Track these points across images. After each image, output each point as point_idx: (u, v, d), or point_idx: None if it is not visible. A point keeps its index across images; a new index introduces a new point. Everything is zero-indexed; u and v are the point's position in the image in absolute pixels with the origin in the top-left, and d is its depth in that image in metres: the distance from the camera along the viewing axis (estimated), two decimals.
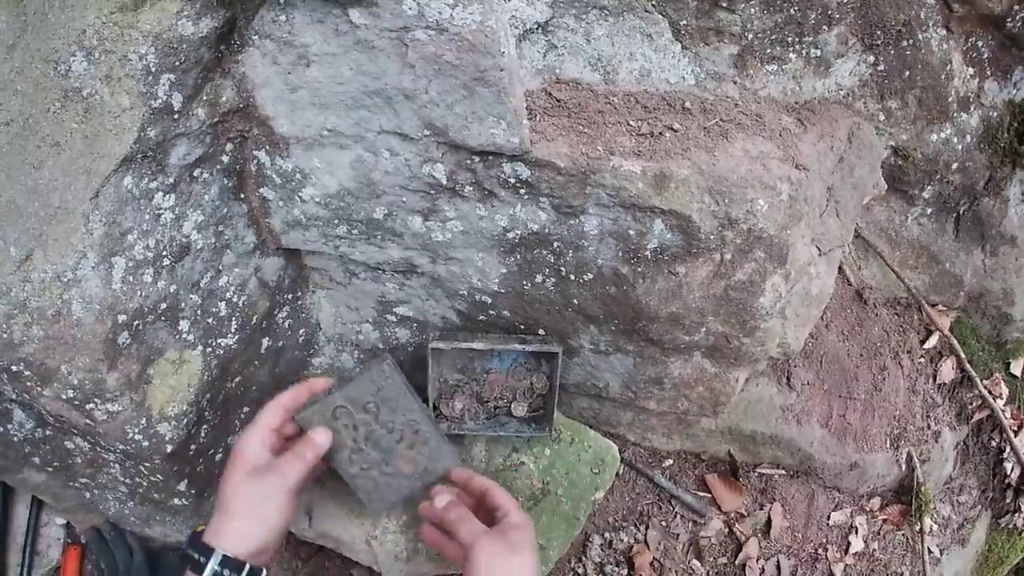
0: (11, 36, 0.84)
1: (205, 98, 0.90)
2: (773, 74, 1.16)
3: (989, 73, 1.34)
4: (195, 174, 0.93)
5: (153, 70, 0.83)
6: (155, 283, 0.92)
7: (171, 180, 0.90)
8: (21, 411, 1.11)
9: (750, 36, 1.11)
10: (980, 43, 1.30)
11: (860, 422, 1.27)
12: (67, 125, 0.83)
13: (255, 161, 0.96)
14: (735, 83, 1.12)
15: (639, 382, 1.10)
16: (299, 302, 1.15)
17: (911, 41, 1.24)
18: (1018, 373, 1.59)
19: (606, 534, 1.21)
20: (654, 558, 1.21)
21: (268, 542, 0.85)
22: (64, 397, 0.91)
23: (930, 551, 1.44)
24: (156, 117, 0.85)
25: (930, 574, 1.43)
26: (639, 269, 0.98)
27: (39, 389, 0.91)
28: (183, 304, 0.96)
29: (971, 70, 1.32)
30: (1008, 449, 1.55)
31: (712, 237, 0.97)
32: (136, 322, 0.91)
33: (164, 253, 0.92)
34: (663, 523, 1.24)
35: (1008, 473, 1.57)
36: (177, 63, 0.85)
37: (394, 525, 1.07)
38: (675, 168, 0.93)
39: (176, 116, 0.87)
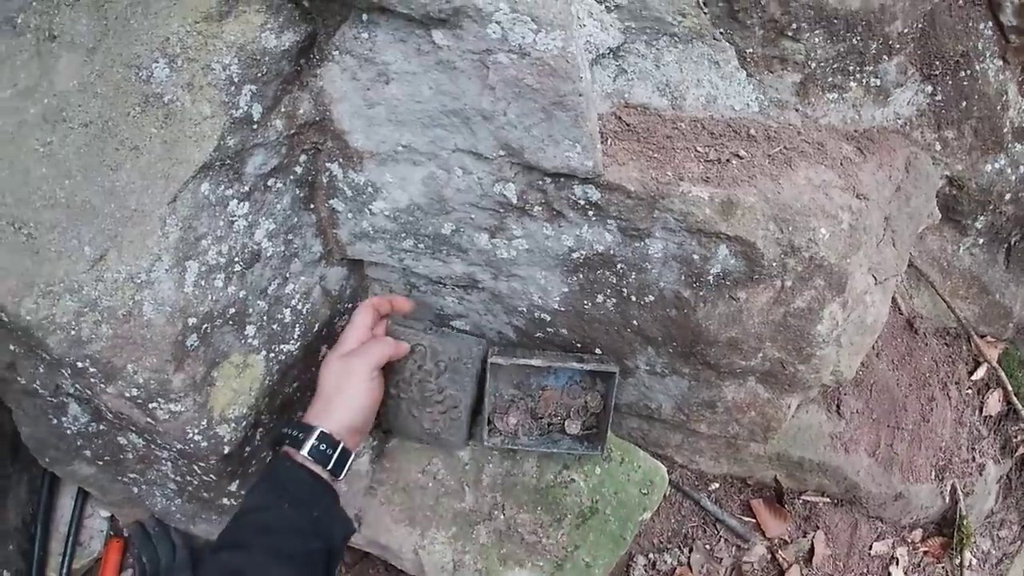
0: (92, 39, 0.86)
1: (283, 110, 0.92)
2: (834, 102, 1.16)
3: None
4: (269, 183, 0.95)
5: (236, 80, 0.86)
6: (226, 288, 0.94)
7: (246, 188, 0.92)
8: (77, 405, 1.13)
9: (813, 65, 1.11)
10: None
11: (907, 452, 1.27)
12: (147, 130, 0.85)
13: (327, 173, 0.98)
14: (797, 111, 1.13)
15: (692, 405, 1.11)
16: None
17: (968, 72, 1.24)
18: None
19: (650, 555, 1.22)
20: None
21: (356, 422, 0.94)
22: (127, 395, 0.93)
23: None
24: (236, 126, 0.87)
25: None
26: (701, 293, 0.98)
27: (102, 386, 0.93)
28: (251, 310, 0.98)
29: None
30: None
31: (774, 264, 0.98)
32: (205, 326, 0.93)
33: (236, 259, 0.94)
34: (707, 546, 1.24)
35: None
36: (259, 75, 0.87)
37: (443, 536, 1.08)
38: (742, 195, 0.94)
39: (255, 126, 0.89)
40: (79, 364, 0.90)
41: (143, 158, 0.85)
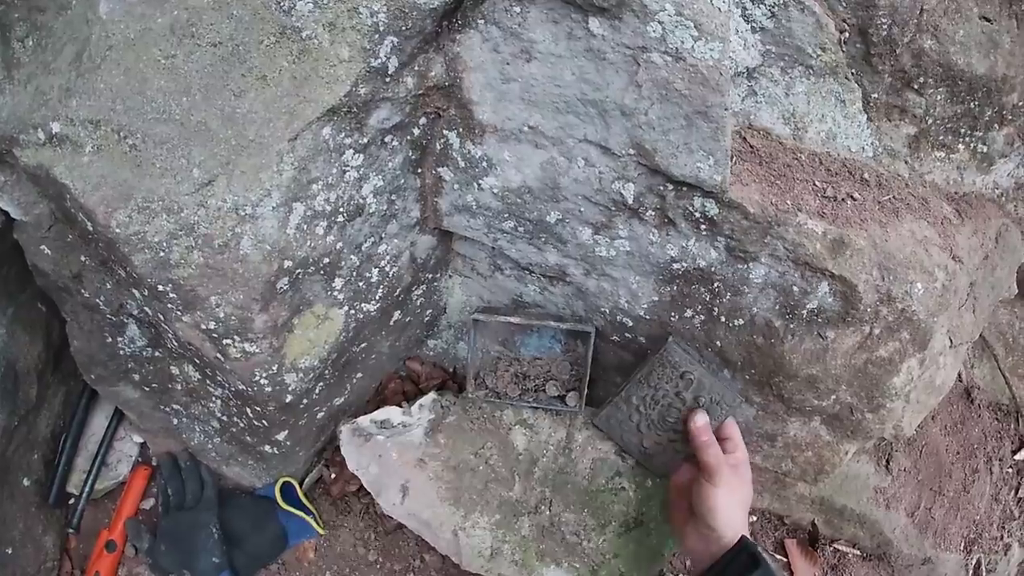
0: None
1: (417, 68, 0.92)
2: (940, 161, 1.17)
3: None
4: (386, 140, 0.95)
5: (381, 29, 0.85)
6: (325, 237, 0.94)
7: (364, 140, 0.93)
8: (136, 328, 1.13)
9: (929, 121, 1.13)
10: None
11: (943, 519, 1.28)
12: (278, 62, 0.84)
13: (442, 140, 0.99)
14: (906, 163, 1.13)
15: (753, 435, 1.12)
16: (435, 283, 1.19)
17: None
18: None
19: (680, 575, 1.22)
20: None
21: None
22: (203, 327, 0.93)
23: None
24: (370, 76, 0.87)
25: None
26: (791, 326, 0.99)
27: (178, 313, 0.93)
28: (343, 263, 0.98)
29: None
30: None
31: (869, 310, 0.99)
32: (298, 271, 0.93)
33: (341, 210, 0.94)
34: None
35: None
36: (403, 28, 0.86)
37: (485, 522, 1.09)
38: (854, 236, 0.95)
39: (387, 80, 0.89)
40: (160, 287, 0.90)
41: (269, 90, 0.85)
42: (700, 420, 1.04)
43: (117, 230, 0.84)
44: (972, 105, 1.17)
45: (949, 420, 1.33)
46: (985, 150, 1.22)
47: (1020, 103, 1.18)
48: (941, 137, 1.20)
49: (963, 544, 1.33)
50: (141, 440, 1.34)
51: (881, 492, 1.24)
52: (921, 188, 1.17)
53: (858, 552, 1.30)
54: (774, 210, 0.92)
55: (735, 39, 0.96)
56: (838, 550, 1.30)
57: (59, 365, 1.28)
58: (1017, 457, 1.44)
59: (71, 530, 1.29)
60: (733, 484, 0.99)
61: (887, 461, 1.25)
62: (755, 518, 1.30)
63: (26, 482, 1.25)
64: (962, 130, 1.19)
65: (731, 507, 0.98)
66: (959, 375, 1.37)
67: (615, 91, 0.86)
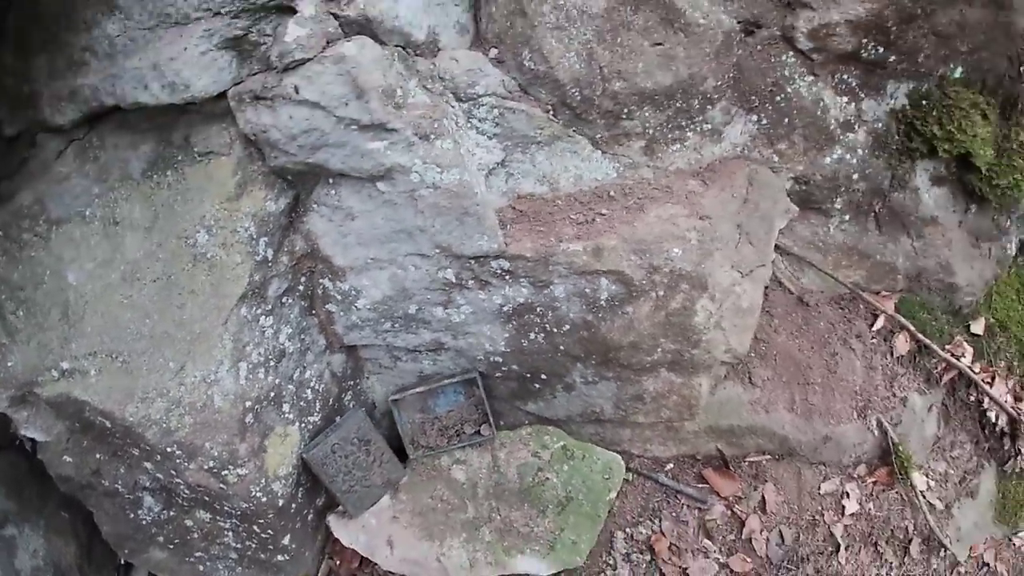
0: (147, 221, 1.53)
1: (286, 248, 1.61)
2: (678, 151, 1.96)
3: (863, 95, 2.00)
4: (283, 300, 1.68)
5: (254, 236, 1.51)
6: (266, 378, 1.64)
7: (269, 307, 1.62)
8: (151, 497, 1.74)
9: (651, 131, 1.84)
10: (846, 75, 1.98)
11: (822, 401, 2.06)
12: (199, 278, 1.52)
13: (321, 287, 1.81)
14: (648, 166, 1.95)
15: (625, 401, 1.84)
16: (359, 386, 1.89)
17: (783, 95, 1.92)
18: (980, 332, 2.25)
19: (627, 529, 1.93)
20: (671, 543, 1.92)
21: None
22: (206, 467, 1.55)
23: (932, 505, 2.03)
24: (258, 266, 1.52)
25: (942, 525, 2.05)
26: (600, 315, 1.75)
27: (186, 464, 1.56)
28: (284, 392, 1.71)
29: (844, 99, 1.99)
30: (987, 400, 2.19)
31: (644, 282, 1.71)
32: (256, 407, 1.59)
33: (270, 357, 1.65)
34: (673, 514, 2.01)
35: (995, 421, 2.20)
36: (268, 229, 1.52)
37: (457, 543, 1.84)
38: (605, 241, 1.77)
39: (270, 264, 1.58)
40: (168, 449, 1.53)
41: (199, 297, 1.51)
42: None
43: (130, 419, 1.49)
44: (678, 105, 1.79)
45: (792, 326, 2.08)
46: (710, 127, 1.88)
47: (718, 83, 1.83)
48: (669, 135, 1.91)
49: (855, 413, 2.01)
50: None
51: (756, 403, 1.95)
52: (664, 179, 1.93)
53: (769, 457, 2.08)
54: (544, 248, 1.64)
55: (479, 150, 1.69)
56: (752, 462, 2.00)
57: (92, 557, 1.90)
58: (875, 327, 2.07)
59: None
60: None
61: (749, 377, 1.94)
62: (672, 465, 1.89)
63: None
64: (683, 123, 1.83)
65: None
66: (788, 289, 2.24)
67: (409, 220, 1.59)
